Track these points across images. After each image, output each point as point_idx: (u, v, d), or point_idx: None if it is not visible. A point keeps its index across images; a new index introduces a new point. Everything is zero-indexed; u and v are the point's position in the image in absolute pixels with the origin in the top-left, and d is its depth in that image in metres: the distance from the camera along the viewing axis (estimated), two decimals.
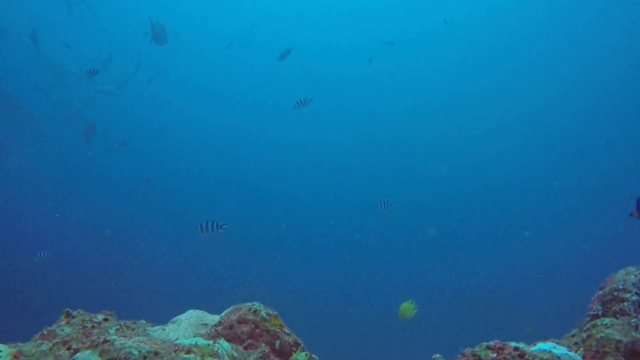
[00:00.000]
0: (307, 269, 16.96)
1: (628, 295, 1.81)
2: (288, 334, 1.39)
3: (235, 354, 1.14)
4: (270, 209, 21.90)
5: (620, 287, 1.83)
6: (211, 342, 1.14)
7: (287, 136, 25.88)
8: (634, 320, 1.77)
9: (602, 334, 1.03)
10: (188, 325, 1.48)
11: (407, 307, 4.21)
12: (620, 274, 1.90)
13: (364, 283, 16.05)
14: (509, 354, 1.02)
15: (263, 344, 1.30)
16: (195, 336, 1.35)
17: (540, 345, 1.06)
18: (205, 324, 1.47)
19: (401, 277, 16.27)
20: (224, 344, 1.16)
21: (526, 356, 1.00)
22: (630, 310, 1.79)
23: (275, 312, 1.44)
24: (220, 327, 1.36)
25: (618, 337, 1.02)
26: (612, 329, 1.05)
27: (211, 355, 1.08)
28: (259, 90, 25.57)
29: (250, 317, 1.34)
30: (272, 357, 1.29)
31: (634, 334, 1.06)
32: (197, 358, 1.07)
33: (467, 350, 1.11)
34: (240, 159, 25.23)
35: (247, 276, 14.92)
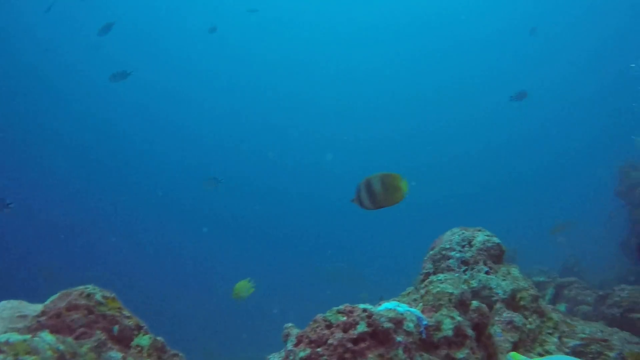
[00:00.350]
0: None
1: (453, 253, 2.00)
2: (128, 317, 1.27)
3: (62, 347, 1.00)
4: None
5: (447, 246, 2.02)
6: (29, 336, 0.98)
7: None
8: (457, 274, 1.97)
9: (438, 289, 1.10)
10: (0, 320, 1.27)
11: (243, 286, 4.08)
12: (447, 235, 2.09)
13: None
14: (358, 315, 1.05)
15: (99, 331, 1.17)
16: (8, 331, 1.15)
17: (385, 304, 1.10)
18: (24, 316, 1.28)
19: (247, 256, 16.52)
20: (46, 336, 1.00)
21: (373, 316, 1.03)
22: (455, 267, 1.98)
23: (114, 295, 1.31)
24: (43, 318, 1.19)
25: (450, 291, 1.10)
26: (445, 284, 1.13)
27: (28, 353, 0.92)
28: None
29: (83, 302, 1.20)
30: (109, 345, 1.17)
31: (462, 286, 1.15)
32: (9, 358, 0.89)
33: (319, 316, 1.11)
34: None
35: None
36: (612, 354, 2.40)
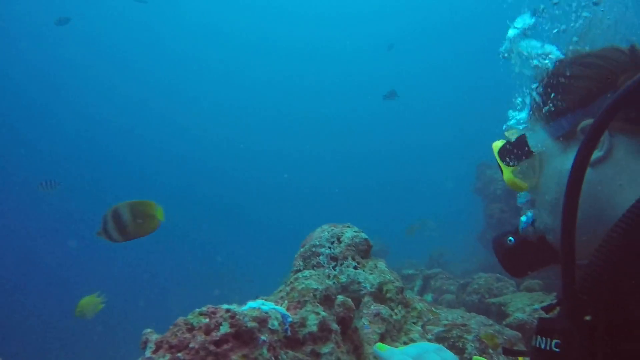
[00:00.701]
0: None
1: (322, 249, 2.03)
2: None
3: None
4: None
5: (317, 243, 2.05)
6: None
7: None
8: (327, 270, 2.00)
9: (303, 285, 1.10)
10: None
11: (89, 303, 3.40)
12: (317, 232, 2.12)
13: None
14: (221, 316, 1.01)
15: None
16: None
17: (250, 303, 1.08)
18: None
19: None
20: None
21: (237, 316, 1.00)
22: (324, 263, 2.02)
23: None
24: None
25: (315, 286, 1.10)
26: (310, 280, 1.14)
27: None
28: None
29: None
30: None
31: (327, 282, 1.16)
32: None
33: (180, 320, 1.06)
34: None
35: None
36: (470, 337, 2.56)
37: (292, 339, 1.07)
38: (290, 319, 1.06)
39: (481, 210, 11.08)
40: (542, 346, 1.10)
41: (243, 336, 1.00)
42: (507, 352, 1.49)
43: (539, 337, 1.12)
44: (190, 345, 0.98)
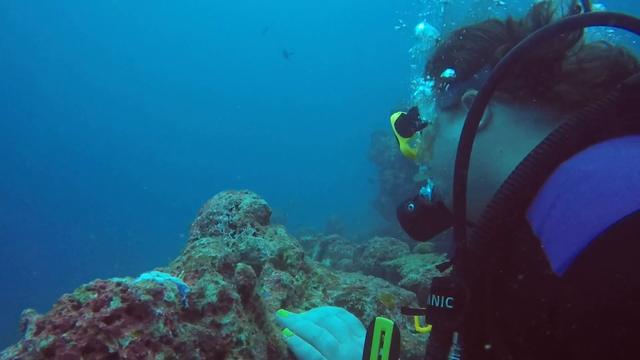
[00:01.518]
0: None
1: (220, 217, 1.96)
2: None
3: None
4: None
5: (214, 210, 1.97)
6: None
7: None
8: (225, 238, 1.94)
9: (200, 254, 1.04)
10: None
11: None
12: (214, 199, 2.04)
13: None
14: (111, 290, 0.93)
15: None
16: None
17: (143, 275, 1.00)
18: None
19: None
20: None
21: (129, 290, 0.93)
22: (222, 231, 1.96)
23: None
24: None
25: (214, 254, 1.04)
26: (208, 248, 1.08)
27: None
28: None
29: None
30: None
31: (226, 249, 1.11)
32: None
33: (64, 297, 0.96)
34: None
35: None
36: (368, 299, 2.63)
37: (190, 311, 1.01)
38: (187, 290, 1.00)
39: (376, 176, 11.47)
40: (437, 304, 1.14)
41: (136, 311, 0.93)
42: (405, 311, 1.55)
43: (433, 295, 1.16)
44: (77, 324, 0.89)
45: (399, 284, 4.40)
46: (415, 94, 1.62)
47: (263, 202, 2.03)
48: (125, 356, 0.89)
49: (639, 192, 0.81)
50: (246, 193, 2.05)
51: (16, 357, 0.92)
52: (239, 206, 1.99)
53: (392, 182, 9.99)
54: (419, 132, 1.56)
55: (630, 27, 1.07)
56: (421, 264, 5.08)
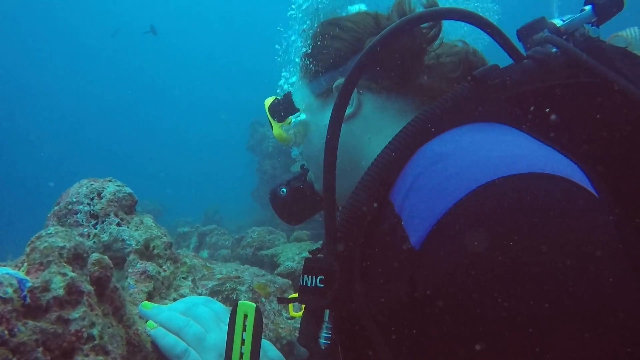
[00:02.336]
0: None
1: (80, 207, 1.82)
2: None
3: None
4: None
5: (74, 199, 1.82)
6: None
7: None
8: (86, 229, 1.80)
9: (46, 244, 0.94)
10: None
11: None
12: (74, 187, 1.89)
13: None
14: None
15: None
16: None
17: None
18: None
19: None
20: None
21: None
22: (83, 221, 1.81)
23: None
24: None
25: (62, 244, 0.95)
26: (55, 237, 0.98)
27: None
28: None
29: None
30: None
31: (77, 238, 1.03)
32: None
33: None
34: None
35: None
36: (243, 288, 2.61)
37: (32, 307, 0.91)
38: (29, 284, 0.90)
39: (255, 166, 11.43)
40: (308, 284, 1.17)
41: None
42: (280, 300, 1.57)
43: (305, 276, 1.19)
44: None
45: (276, 272, 4.43)
46: (289, 80, 1.63)
47: (128, 190, 1.91)
48: None
49: (483, 169, 0.90)
50: (110, 181, 1.92)
51: None
52: (102, 195, 1.85)
53: (271, 172, 10.02)
54: (292, 118, 1.57)
55: (471, 22, 1.19)
56: (297, 252, 5.15)
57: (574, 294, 0.77)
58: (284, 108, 1.58)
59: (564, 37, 1.30)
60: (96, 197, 1.83)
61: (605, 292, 0.79)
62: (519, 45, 1.30)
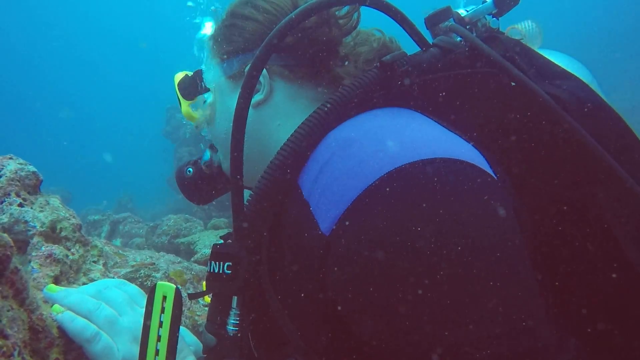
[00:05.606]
0: None
1: None
2: None
3: None
4: None
5: None
6: None
7: None
8: None
9: None
10: None
11: None
12: None
13: None
14: None
15: None
16: None
17: None
18: None
19: None
20: None
21: None
22: None
23: None
24: None
25: None
26: None
27: None
28: None
29: None
30: None
31: None
32: None
33: None
34: None
35: None
36: (158, 275, 2.53)
37: None
38: None
39: (171, 153, 11.11)
40: (216, 270, 1.16)
41: None
42: (191, 296, 1.54)
43: (212, 262, 1.17)
44: None
45: (192, 259, 4.33)
46: (203, 61, 1.58)
47: (32, 168, 1.78)
48: None
49: (391, 155, 0.93)
50: (10, 158, 1.78)
51: None
52: (1, 173, 1.71)
53: (188, 159, 9.77)
54: (201, 97, 1.53)
55: (381, 10, 1.22)
56: (214, 240, 5.08)
57: (473, 272, 0.83)
58: (194, 86, 1.53)
59: (467, 27, 1.38)
60: None
61: (501, 268, 0.85)
62: (426, 33, 1.35)
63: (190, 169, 1.64)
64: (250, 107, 1.18)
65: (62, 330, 1.28)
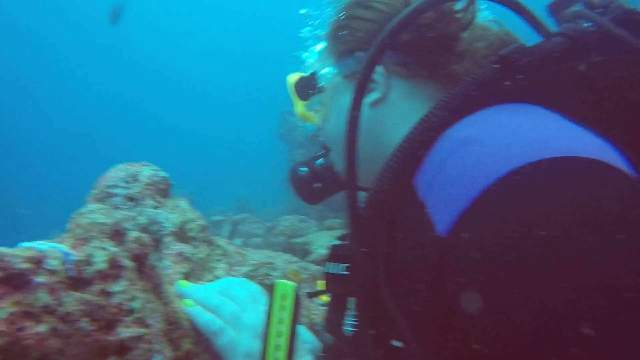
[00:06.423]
0: None
1: (118, 190, 1.87)
2: None
3: None
4: None
5: (111, 183, 1.87)
6: None
7: None
8: (123, 212, 1.85)
9: (88, 220, 0.98)
10: None
11: None
12: (111, 172, 1.94)
13: None
14: None
15: None
16: None
17: (22, 243, 0.93)
18: None
19: None
20: None
21: (5, 258, 0.86)
22: (121, 204, 1.86)
23: None
24: None
25: (102, 220, 0.99)
26: (97, 214, 1.02)
27: None
28: None
29: None
30: None
31: (116, 215, 1.06)
32: None
33: None
34: None
35: None
36: (276, 274, 2.64)
37: (77, 279, 0.95)
38: (73, 257, 0.94)
39: (285, 156, 11.45)
40: (334, 271, 1.17)
41: (14, 280, 0.86)
42: (311, 295, 1.58)
43: (330, 263, 1.19)
44: None
45: (308, 259, 4.45)
46: (314, 59, 1.62)
47: (163, 174, 1.95)
48: (4, 329, 0.83)
49: (511, 154, 0.87)
50: (145, 165, 1.97)
51: None
52: (138, 178, 1.90)
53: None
54: (316, 97, 1.57)
55: (497, 1, 1.18)
56: (329, 240, 5.17)
57: (608, 279, 0.74)
58: (308, 86, 1.57)
59: (598, 11, 1.26)
60: (132, 181, 1.88)
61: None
62: (549, 22, 1.26)
63: (304, 169, 1.69)
64: (366, 106, 1.19)
65: (191, 323, 1.40)
